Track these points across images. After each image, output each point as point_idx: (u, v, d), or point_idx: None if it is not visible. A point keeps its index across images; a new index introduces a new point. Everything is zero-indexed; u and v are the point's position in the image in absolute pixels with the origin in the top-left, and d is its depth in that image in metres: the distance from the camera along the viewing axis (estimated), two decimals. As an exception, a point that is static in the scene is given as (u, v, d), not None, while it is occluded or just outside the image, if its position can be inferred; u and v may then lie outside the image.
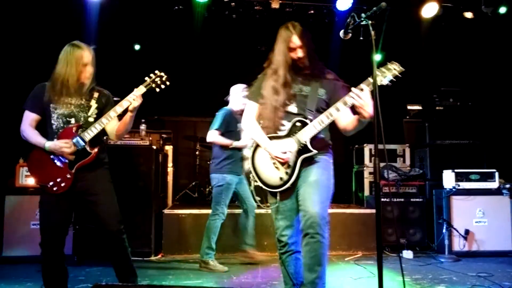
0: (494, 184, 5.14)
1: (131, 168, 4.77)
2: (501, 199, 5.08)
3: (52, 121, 2.84)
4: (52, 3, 5.73)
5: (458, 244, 4.96)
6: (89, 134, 2.81)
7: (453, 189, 5.06)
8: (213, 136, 4.40)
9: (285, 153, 2.56)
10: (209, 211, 5.17)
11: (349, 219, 5.19)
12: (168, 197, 6.25)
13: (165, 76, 2.96)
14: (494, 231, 4.99)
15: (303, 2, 6.54)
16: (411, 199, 5.37)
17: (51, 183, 2.78)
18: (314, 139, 2.60)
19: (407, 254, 4.96)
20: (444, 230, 4.95)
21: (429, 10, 6.20)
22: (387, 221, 5.23)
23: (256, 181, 2.75)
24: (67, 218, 2.91)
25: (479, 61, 6.65)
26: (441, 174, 5.34)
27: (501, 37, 6.34)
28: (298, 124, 2.60)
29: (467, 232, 4.96)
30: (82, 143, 2.80)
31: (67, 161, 2.79)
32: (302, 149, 2.57)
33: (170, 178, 6.40)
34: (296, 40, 2.62)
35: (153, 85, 2.93)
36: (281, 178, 2.62)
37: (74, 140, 2.79)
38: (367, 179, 6.06)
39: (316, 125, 2.57)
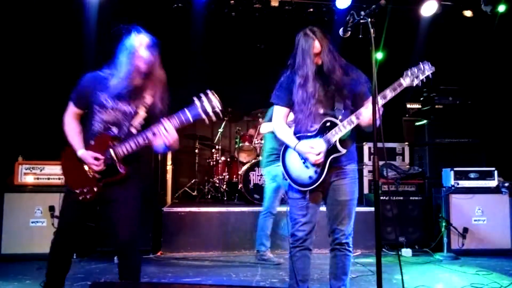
0: (493, 183, 5.15)
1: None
2: (500, 197, 5.08)
3: (93, 122, 2.64)
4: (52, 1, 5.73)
5: (457, 243, 4.96)
6: (123, 151, 2.59)
7: (452, 188, 5.07)
8: (264, 126, 4.49)
9: (319, 154, 2.62)
10: (208, 209, 5.20)
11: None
12: (168, 195, 6.26)
13: (218, 101, 2.57)
14: (493, 230, 5.00)
15: (302, 0, 6.53)
16: (410, 198, 5.37)
17: (78, 190, 2.62)
18: (343, 140, 2.67)
19: (406, 252, 4.97)
20: (443, 229, 4.96)
21: (428, 9, 6.20)
22: (386, 220, 5.23)
23: (286, 179, 2.80)
24: (84, 222, 2.81)
25: (478, 59, 6.65)
26: (440, 173, 5.34)
27: (501, 36, 6.34)
28: (327, 124, 2.66)
29: (466, 230, 4.96)
30: (114, 158, 2.60)
31: None
32: (332, 149, 2.64)
33: (169, 176, 6.41)
34: (318, 46, 2.64)
35: (204, 115, 2.54)
36: (310, 177, 2.69)
37: (107, 154, 2.59)
38: (366, 177, 6.06)
39: (345, 126, 2.63)
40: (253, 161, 6.01)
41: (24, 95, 5.53)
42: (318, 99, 2.68)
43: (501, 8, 6.11)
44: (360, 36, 2.38)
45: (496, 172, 5.16)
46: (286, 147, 2.81)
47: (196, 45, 6.92)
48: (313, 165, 2.66)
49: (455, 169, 5.15)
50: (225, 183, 6.38)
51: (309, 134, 2.71)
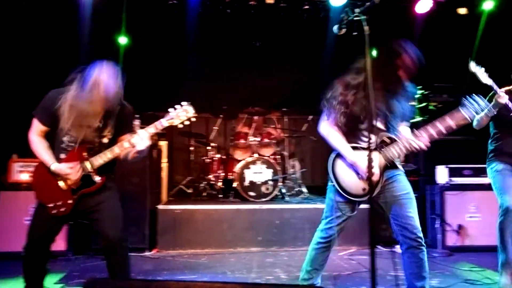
0: (487, 180, 5.16)
1: (125, 164, 4.76)
2: (494, 194, 5.09)
3: (63, 139, 2.68)
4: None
5: (451, 239, 4.99)
6: (98, 161, 2.66)
7: (446, 185, 5.09)
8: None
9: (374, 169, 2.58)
10: (204, 207, 5.20)
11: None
12: (163, 193, 6.25)
13: (192, 112, 2.71)
14: (487, 226, 5.01)
15: (297, -3, 6.54)
16: (405, 194, 5.39)
17: (51, 205, 2.64)
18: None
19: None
20: (437, 225, 4.98)
21: (422, 6, 6.22)
22: (380, 217, 5.23)
23: (338, 189, 2.79)
24: (57, 231, 2.80)
25: (473, 56, 6.67)
26: (435, 170, 5.36)
27: (494, 33, 6.37)
28: (387, 140, 2.70)
29: (460, 227, 4.99)
30: (89, 169, 2.65)
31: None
32: (389, 165, 2.70)
33: (164, 174, 6.40)
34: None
35: (177, 121, 2.71)
36: (364, 189, 2.71)
37: (83, 165, 2.64)
38: (361, 174, 6.07)
39: (403, 146, 2.68)
40: (249, 158, 6.01)
41: (19, 92, 5.49)
42: (380, 113, 2.71)
43: (487, 5, 6.15)
44: (355, 33, 2.37)
45: (490, 169, 5.18)
46: (337, 154, 2.78)
47: (191, 43, 6.91)
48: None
49: (449, 166, 5.18)
50: (220, 180, 6.38)
51: (362, 144, 2.73)
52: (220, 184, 6.34)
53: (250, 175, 5.88)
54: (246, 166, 5.92)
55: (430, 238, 5.19)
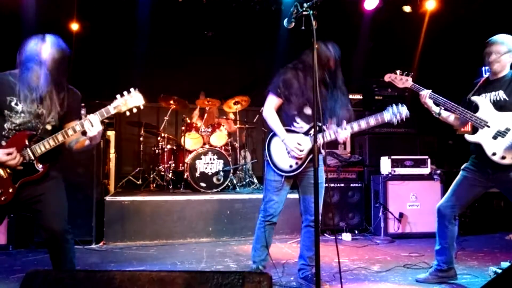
0: (426, 170, 5.48)
1: (70, 154, 4.60)
2: (432, 183, 5.42)
3: (4, 125, 2.55)
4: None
5: (393, 227, 5.26)
6: (40, 149, 2.54)
7: (389, 175, 5.34)
8: None
9: (302, 150, 3.08)
10: (153, 198, 5.13)
11: (292, 204, 5.27)
12: (111, 184, 6.11)
13: (141, 99, 2.65)
14: (426, 214, 5.31)
15: (249, -11, 6.55)
16: (351, 184, 5.60)
17: None
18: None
19: (346, 236, 5.20)
20: (380, 214, 5.23)
21: (370, 3, 6.43)
22: (327, 206, 5.40)
23: (268, 162, 3.21)
24: None
25: (416, 52, 7.00)
26: (379, 161, 5.60)
27: (438, 31, 6.70)
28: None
29: (401, 215, 5.26)
30: (31, 157, 2.53)
31: (12, 172, 2.53)
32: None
33: (112, 164, 6.25)
34: (332, 64, 3.12)
35: (124, 108, 2.64)
36: (290, 166, 3.15)
37: (23, 152, 2.52)
38: (310, 165, 6.23)
39: (331, 135, 3.13)
40: (200, 149, 5.99)
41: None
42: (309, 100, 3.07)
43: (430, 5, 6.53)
44: (303, 27, 2.43)
45: (429, 160, 5.49)
46: (274, 134, 3.20)
47: (142, 32, 6.75)
48: (295, 157, 3.11)
49: (392, 157, 5.43)
50: (171, 171, 6.32)
51: (295, 129, 3.16)
52: (170, 175, 6.28)
53: (201, 166, 5.87)
54: (197, 157, 5.90)
55: (374, 226, 5.44)
